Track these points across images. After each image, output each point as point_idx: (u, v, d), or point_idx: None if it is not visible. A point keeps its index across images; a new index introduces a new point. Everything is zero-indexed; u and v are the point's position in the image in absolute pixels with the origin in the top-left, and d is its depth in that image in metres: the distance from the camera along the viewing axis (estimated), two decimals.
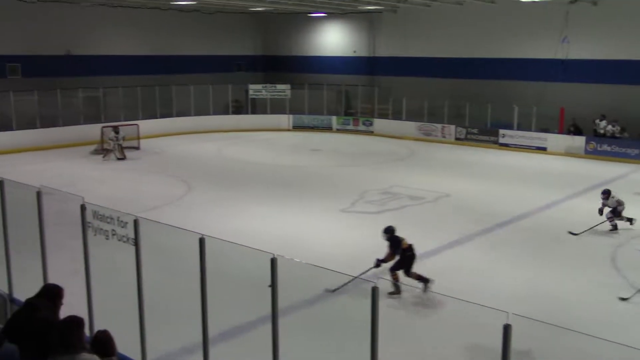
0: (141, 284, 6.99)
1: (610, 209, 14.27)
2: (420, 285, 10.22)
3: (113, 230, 7.19)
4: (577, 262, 12.47)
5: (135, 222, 6.77)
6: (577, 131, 25.00)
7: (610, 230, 14.23)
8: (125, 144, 24.55)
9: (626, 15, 24.19)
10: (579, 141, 24.72)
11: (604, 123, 24.52)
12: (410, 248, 10.53)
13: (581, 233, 14.05)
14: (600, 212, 14.32)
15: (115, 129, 23.73)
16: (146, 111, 28.68)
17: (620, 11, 24.17)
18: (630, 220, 14.30)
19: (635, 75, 24.49)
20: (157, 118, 28.99)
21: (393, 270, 10.46)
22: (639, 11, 23.71)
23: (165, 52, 32.43)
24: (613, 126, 24.21)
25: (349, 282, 9.28)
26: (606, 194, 14.37)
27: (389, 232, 10.64)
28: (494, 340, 4.56)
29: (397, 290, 10.13)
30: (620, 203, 14.26)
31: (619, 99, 24.60)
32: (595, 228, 14.14)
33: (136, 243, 6.86)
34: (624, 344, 4.68)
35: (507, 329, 4.31)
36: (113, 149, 23.34)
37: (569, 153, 24.72)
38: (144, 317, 7.06)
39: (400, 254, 10.38)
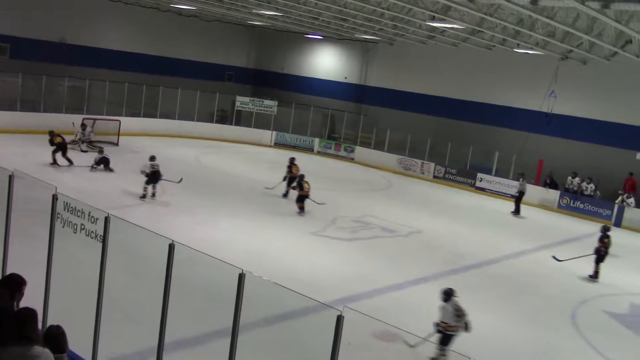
0: (103, 282, 6.87)
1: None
2: None
3: (82, 224, 7.08)
4: (538, 313, 12.54)
5: (106, 219, 6.68)
6: (552, 184, 25.32)
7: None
8: (104, 138, 24.36)
9: (612, 78, 24.70)
10: (554, 195, 25.04)
11: (576, 180, 24.91)
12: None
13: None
14: None
15: (83, 124, 23.59)
16: (130, 108, 28.48)
17: (607, 74, 24.68)
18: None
19: (613, 137, 24.97)
20: (140, 117, 28.79)
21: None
22: (625, 76, 24.24)
23: (157, 53, 32.35)
24: (588, 183, 24.57)
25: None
26: None
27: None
28: None
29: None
30: None
31: (596, 158, 25.03)
32: None
33: (104, 240, 6.76)
34: None
35: None
36: (76, 141, 23.00)
37: (543, 205, 25.01)
38: (100, 317, 6.94)
39: None
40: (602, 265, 15.23)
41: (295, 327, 9.71)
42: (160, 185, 17.52)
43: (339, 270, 13.32)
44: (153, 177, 17.07)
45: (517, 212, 22.81)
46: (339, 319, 4.89)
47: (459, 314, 9.04)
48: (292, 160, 20.58)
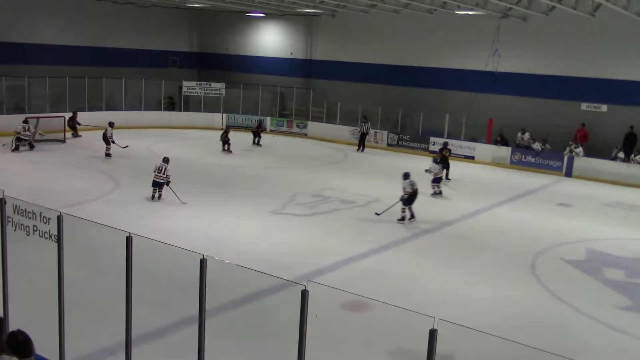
0: (62, 282, 6.74)
1: None
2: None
3: (35, 226, 6.92)
4: (499, 267, 12.86)
5: (59, 218, 6.53)
6: (503, 142, 25.83)
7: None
8: (50, 136, 23.79)
9: (553, 32, 25.20)
10: (505, 152, 25.55)
11: (526, 136, 25.48)
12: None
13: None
14: None
15: (25, 121, 23.03)
16: (75, 104, 27.74)
17: (548, 28, 25.17)
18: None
19: (557, 90, 25.56)
20: (85, 111, 28.07)
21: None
22: (565, 29, 24.75)
23: (97, 44, 31.48)
24: (532, 142, 25.14)
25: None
26: None
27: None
28: (419, 344, 4.63)
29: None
30: None
31: (543, 112, 25.61)
32: None
33: (59, 240, 6.62)
34: (542, 349, 4.85)
35: (432, 333, 4.38)
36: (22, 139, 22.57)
37: (496, 163, 25.50)
38: (63, 317, 6.82)
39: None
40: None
41: (262, 306, 9.74)
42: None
43: (302, 246, 13.38)
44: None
45: (359, 149, 27.24)
46: (304, 294, 4.93)
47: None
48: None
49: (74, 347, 7.18)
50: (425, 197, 18.99)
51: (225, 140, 25.11)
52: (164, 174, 16.28)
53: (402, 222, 15.73)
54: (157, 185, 16.38)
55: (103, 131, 22.51)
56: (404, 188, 15.83)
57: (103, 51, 31.68)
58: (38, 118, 24.26)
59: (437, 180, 18.90)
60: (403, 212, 15.83)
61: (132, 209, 15.43)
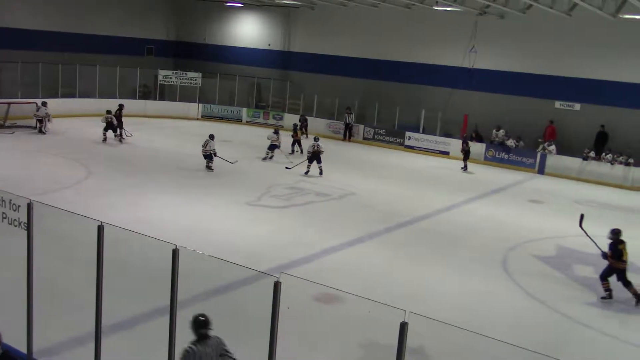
0: (31, 270, 6.66)
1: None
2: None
3: (4, 213, 6.82)
4: (471, 263, 12.99)
5: (29, 206, 6.44)
6: (478, 138, 26.04)
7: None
8: (21, 122, 23.45)
9: (529, 30, 25.43)
10: (479, 148, 25.75)
11: (500, 133, 25.73)
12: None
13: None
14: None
15: (43, 104, 23.79)
16: (47, 90, 27.29)
17: (524, 27, 25.39)
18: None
19: (533, 87, 25.81)
20: (58, 97, 27.65)
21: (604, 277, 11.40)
22: (541, 28, 25.00)
23: (71, 30, 30.93)
24: (507, 139, 25.40)
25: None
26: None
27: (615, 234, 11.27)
28: (390, 337, 4.66)
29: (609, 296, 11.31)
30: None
31: (518, 109, 25.85)
32: None
33: (28, 228, 6.52)
34: (511, 343, 4.93)
35: (403, 326, 4.41)
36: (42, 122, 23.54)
37: (470, 159, 25.66)
38: (32, 306, 6.74)
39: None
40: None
41: (235, 298, 9.72)
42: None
43: (276, 238, 13.37)
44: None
45: (345, 138, 28.57)
46: (276, 286, 4.93)
47: None
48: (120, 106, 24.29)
49: (43, 337, 7.09)
50: (395, 193, 19.13)
51: (297, 140, 24.21)
52: (206, 147, 19.20)
53: (306, 175, 19.64)
54: (205, 157, 19.32)
55: (109, 118, 23.13)
56: (307, 149, 20.31)
57: (77, 37, 31.14)
58: (9, 104, 23.85)
59: (271, 148, 21.90)
60: (308, 167, 19.92)
61: (105, 198, 15.26)
